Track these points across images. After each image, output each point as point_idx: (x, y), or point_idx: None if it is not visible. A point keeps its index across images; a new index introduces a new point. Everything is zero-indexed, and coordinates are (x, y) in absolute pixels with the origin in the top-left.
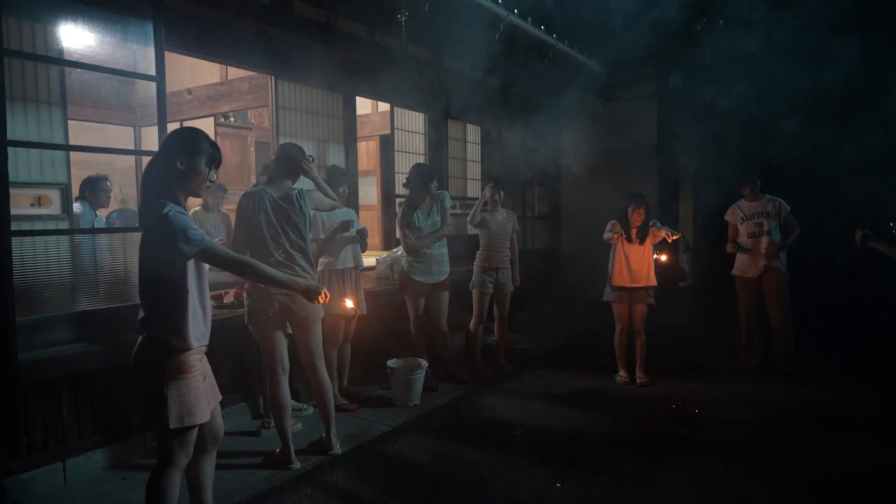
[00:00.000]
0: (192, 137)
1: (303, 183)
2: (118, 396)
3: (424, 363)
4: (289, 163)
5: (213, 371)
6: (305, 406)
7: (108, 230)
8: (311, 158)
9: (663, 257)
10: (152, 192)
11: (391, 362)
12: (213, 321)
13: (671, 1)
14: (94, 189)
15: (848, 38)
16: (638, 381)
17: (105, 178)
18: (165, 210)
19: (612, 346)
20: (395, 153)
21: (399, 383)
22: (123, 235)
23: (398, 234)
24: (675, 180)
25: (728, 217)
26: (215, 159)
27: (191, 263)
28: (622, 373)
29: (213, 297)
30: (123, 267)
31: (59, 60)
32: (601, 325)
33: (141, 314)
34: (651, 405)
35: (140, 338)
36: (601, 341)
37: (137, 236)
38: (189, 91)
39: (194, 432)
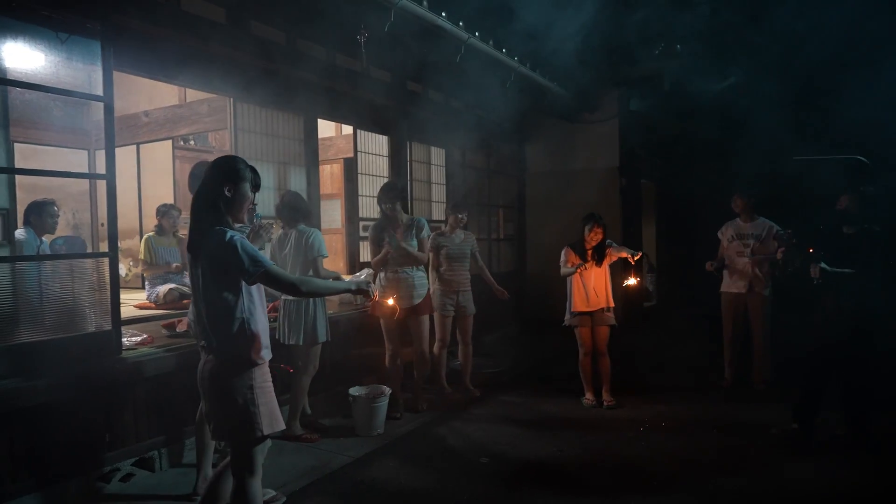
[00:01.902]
0: (235, 165)
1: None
2: (59, 435)
3: (388, 390)
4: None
5: (170, 404)
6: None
7: (53, 257)
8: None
9: (632, 281)
10: (206, 220)
11: (353, 390)
12: (166, 350)
13: (631, 25)
14: (39, 214)
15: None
16: (605, 403)
17: (52, 203)
18: (229, 236)
19: (578, 369)
20: (359, 176)
21: (362, 412)
22: (71, 263)
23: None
24: (638, 202)
25: (719, 234)
26: (257, 184)
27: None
28: (589, 395)
29: (165, 326)
30: (71, 296)
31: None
32: (568, 348)
33: (210, 336)
34: (618, 429)
35: (212, 358)
36: (567, 363)
37: (84, 263)
38: (146, 113)
39: (269, 442)
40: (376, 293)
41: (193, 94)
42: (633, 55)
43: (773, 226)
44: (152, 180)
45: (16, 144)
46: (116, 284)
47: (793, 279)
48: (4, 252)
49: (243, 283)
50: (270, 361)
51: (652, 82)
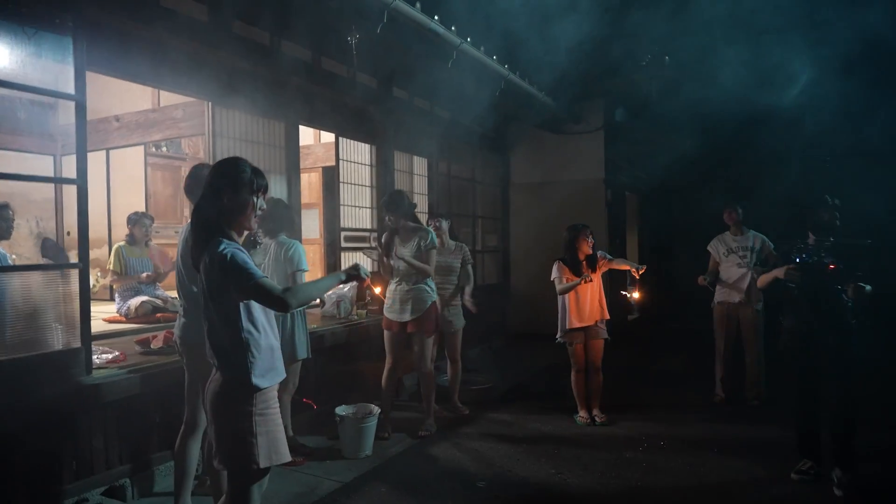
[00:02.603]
0: (232, 168)
1: None
2: (18, 465)
3: (376, 409)
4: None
5: (143, 428)
6: None
7: (16, 268)
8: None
9: (636, 294)
10: (203, 231)
11: (340, 409)
12: (140, 369)
13: (618, 35)
14: None
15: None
16: (597, 420)
17: (6, 206)
18: (222, 247)
19: (569, 385)
20: (341, 184)
21: (349, 433)
22: (33, 274)
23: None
24: (623, 214)
25: (710, 248)
26: (261, 186)
27: (253, 304)
28: (582, 413)
29: (139, 342)
30: (34, 310)
31: None
32: (556, 362)
33: (214, 355)
34: (616, 449)
35: (217, 377)
36: (557, 379)
37: (49, 275)
38: (117, 118)
39: (267, 477)
40: (368, 279)
41: (167, 99)
42: (620, 66)
43: (764, 239)
44: (123, 188)
45: None
46: (87, 298)
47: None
48: None
49: (241, 304)
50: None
51: (638, 94)
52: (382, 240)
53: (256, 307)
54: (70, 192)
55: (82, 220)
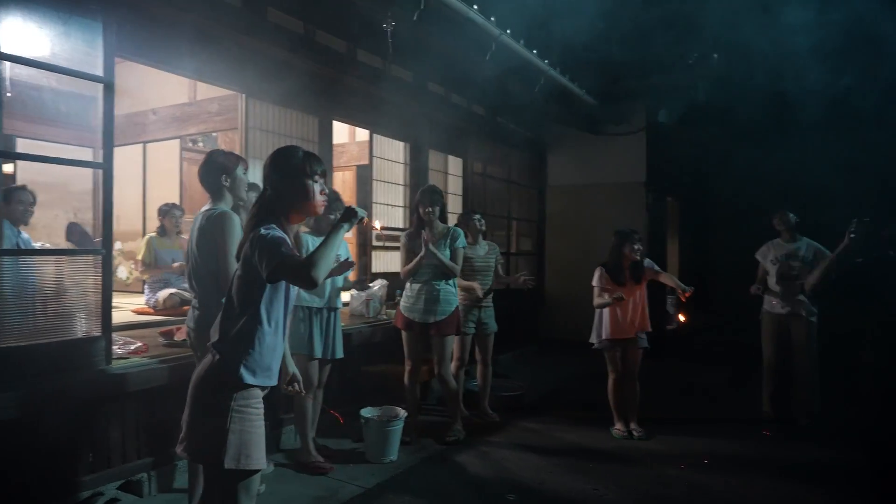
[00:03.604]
0: (283, 156)
1: None
2: (30, 456)
3: (402, 412)
4: None
5: (163, 421)
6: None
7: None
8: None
9: (681, 317)
10: (254, 221)
11: (365, 411)
12: (161, 361)
13: (664, 33)
14: (8, 201)
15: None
16: (635, 434)
17: (24, 189)
18: (262, 230)
19: (604, 394)
20: (374, 182)
21: (374, 436)
22: (56, 259)
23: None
24: (664, 219)
25: (759, 256)
26: (316, 170)
27: (278, 295)
28: (619, 425)
29: (162, 334)
30: (55, 297)
31: None
32: (590, 370)
33: (215, 336)
34: (656, 466)
35: (208, 360)
36: (592, 387)
37: (72, 261)
38: (154, 111)
39: (257, 480)
40: (366, 218)
41: (204, 93)
42: (665, 64)
43: (818, 247)
44: (158, 181)
45: (19, 140)
46: (109, 286)
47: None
48: None
49: (266, 290)
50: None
51: (684, 94)
52: (408, 234)
53: (280, 302)
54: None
55: (107, 206)
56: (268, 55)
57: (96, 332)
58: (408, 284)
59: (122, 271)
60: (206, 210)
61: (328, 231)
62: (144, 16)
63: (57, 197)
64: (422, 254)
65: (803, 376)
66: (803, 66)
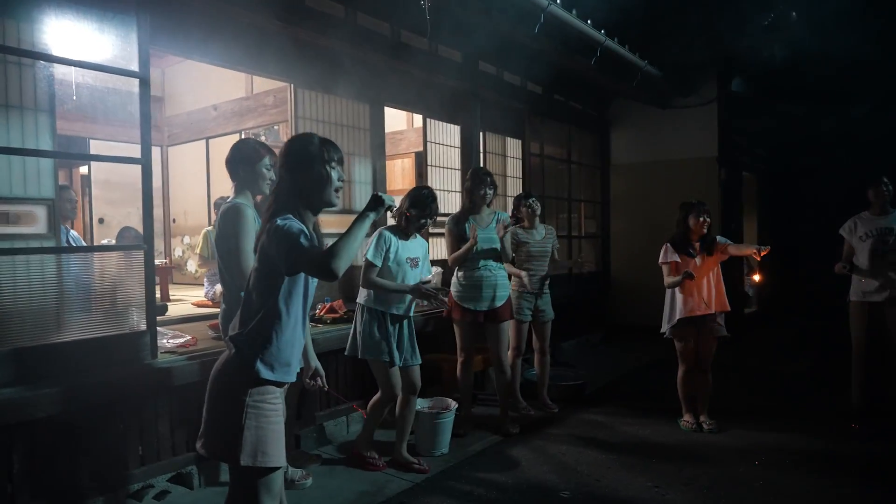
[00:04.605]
0: (299, 144)
1: None
2: (81, 449)
3: (453, 404)
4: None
5: None
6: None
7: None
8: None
9: (756, 277)
10: (270, 213)
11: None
12: (207, 354)
13: None
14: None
15: None
16: (704, 427)
17: (67, 188)
18: (280, 221)
19: (672, 384)
20: (429, 168)
21: (424, 428)
22: (102, 256)
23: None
24: (739, 197)
25: (843, 232)
26: (333, 157)
27: (297, 288)
28: (687, 417)
29: (211, 327)
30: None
31: (24, 52)
32: (658, 358)
33: (235, 329)
34: (726, 462)
35: (226, 355)
36: (658, 376)
37: (115, 257)
38: (214, 107)
39: (278, 478)
40: (392, 205)
41: (260, 86)
42: (738, 28)
43: None
44: (222, 176)
45: (92, 140)
46: (151, 280)
47: None
48: (51, 244)
49: (285, 283)
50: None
51: (760, 59)
52: (455, 219)
53: (298, 295)
54: (176, 181)
55: (146, 201)
56: (308, 42)
57: (142, 327)
58: (458, 272)
59: (191, 265)
60: (225, 203)
61: (352, 224)
62: (177, 8)
63: (129, 195)
64: (472, 241)
65: None
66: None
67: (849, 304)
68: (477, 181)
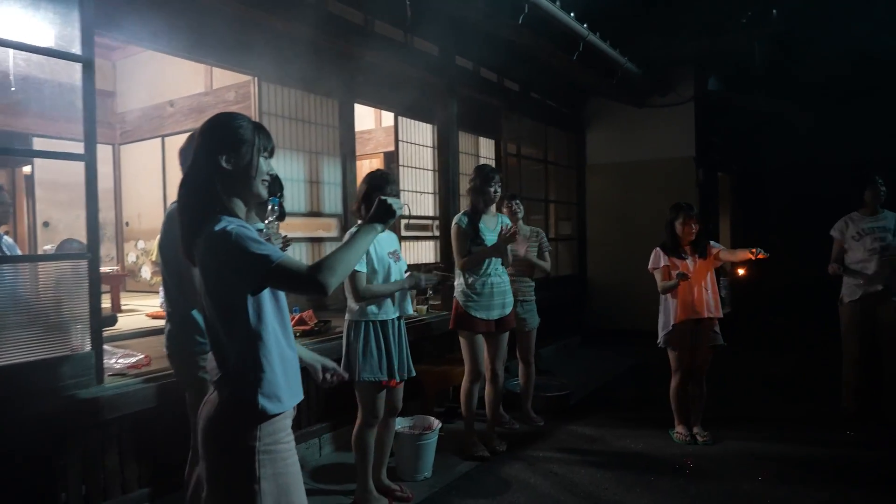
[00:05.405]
0: (227, 124)
1: None
2: (11, 491)
3: (437, 423)
4: None
5: (166, 445)
6: None
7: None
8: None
9: (740, 271)
10: (194, 209)
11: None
12: (161, 377)
13: None
14: None
15: None
16: (699, 438)
17: (2, 189)
18: (222, 226)
19: (658, 389)
20: (401, 168)
21: (405, 451)
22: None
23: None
24: (715, 197)
25: (835, 233)
26: (267, 146)
27: (263, 299)
28: (680, 429)
29: None
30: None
31: None
32: (638, 362)
33: (216, 370)
34: (728, 477)
35: (215, 397)
36: (645, 383)
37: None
38: (171, 103)
39: None
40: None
41: (220, 81)
42: (716, 25)
43: None
44: (178, 177)
45: (35, 138)
46: (97, 294)
47: None
48: None
49: (248, 301)
50: None
51: (737, 58)
52: (465, 227)
53: (267, 305)
54: (128, 181)
55: (91, 203)
56: (274, 29)
57: (86, 348)
58: (469, 279)
59: (146, 271)
60: (173, 203)
61: (356, 231)
62: None
63: (77, 196)
64: (491, 246)
65: (893, 369)
66: (877, 22)
67: (840, 306)
68: (485, 179)
